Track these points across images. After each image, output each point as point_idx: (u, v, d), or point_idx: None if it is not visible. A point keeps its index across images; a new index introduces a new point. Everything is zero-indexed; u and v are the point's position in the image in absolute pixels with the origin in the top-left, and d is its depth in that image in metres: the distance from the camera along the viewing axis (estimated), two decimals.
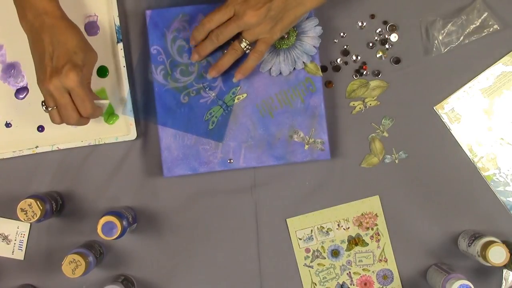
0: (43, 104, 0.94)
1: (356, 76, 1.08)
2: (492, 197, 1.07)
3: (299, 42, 1.01)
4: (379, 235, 1.07)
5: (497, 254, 0.96)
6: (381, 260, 1.07)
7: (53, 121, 0.94)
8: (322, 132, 1.03)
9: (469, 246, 1.01)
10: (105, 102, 0.99)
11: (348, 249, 1.07)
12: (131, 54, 1.07)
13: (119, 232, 0.96)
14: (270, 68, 1.02)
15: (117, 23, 1.04)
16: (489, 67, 1.07)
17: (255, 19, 0.92)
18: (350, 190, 1.07)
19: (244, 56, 0.98)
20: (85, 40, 0.95)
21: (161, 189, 1.07)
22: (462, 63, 1.07)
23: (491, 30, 1.06)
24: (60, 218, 1.07)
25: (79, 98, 0.91)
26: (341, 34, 1.08)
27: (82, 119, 0.95)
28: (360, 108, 1.07)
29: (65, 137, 1.05)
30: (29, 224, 1.06)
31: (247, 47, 0.96)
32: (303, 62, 1.02)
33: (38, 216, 0.97)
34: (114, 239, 0.97)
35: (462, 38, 1.06)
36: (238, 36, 0.96)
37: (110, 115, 1.06)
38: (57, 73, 0.89)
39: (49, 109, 0.93)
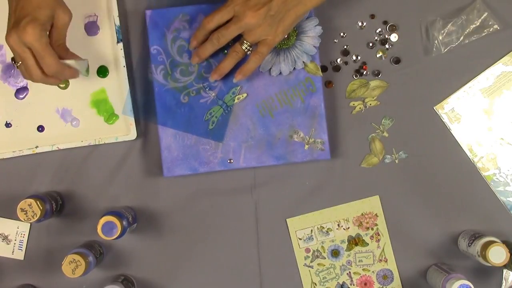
0: (12, 59, 0.93)
1: (356, 76, 1.08)
2: (492, 197, 1.07)
3: (299, 42, 1.01)
4: (379, 235, 1.07)
5: (497, 254, 0.96)
6: (381, 260, 1.07)
7: (22, 76, 0.92)
8: (322, 132, 1.03)
9: (469, 246, 1.01)
10: (70, 62, 0.94)
11: (348, 249, 1.07)
12: (131, 54, 1.07)
13: (119, 232, 0.96)
14: (270, 68, 1.02)
15: (117, 23, 1.04)
16: (489, 67, 1.07)
17: (255, 20, 0.91)
18: (350, 190, 1.07)
19: (245, 57, 0.98)
20: None
21: (161, 189, 1.07)
22: (462, 63, 1.07)
23: (491, 30, 1.06)
24: (60, 218, 1.07)
25: (38, 55, 0.88)
26: (341, 34, 1.07)
27: (48, 78, 0.91)
28: (360, 108, 1.07)
29: (65, 137, 1.05)
30: (29, 224, 1.06)
31: (248, 48, 0.96)
32: (303, 62, 1.02)
33: (38, 216, 0.97)
34: (114, 239, 0.97)
35: (462, 38, 1.06)
36: (239, 38, 0.96)
37: (110, 115, 1.06)
38: (16, 27, 0.87)
39: (18, 64, 0.90)
